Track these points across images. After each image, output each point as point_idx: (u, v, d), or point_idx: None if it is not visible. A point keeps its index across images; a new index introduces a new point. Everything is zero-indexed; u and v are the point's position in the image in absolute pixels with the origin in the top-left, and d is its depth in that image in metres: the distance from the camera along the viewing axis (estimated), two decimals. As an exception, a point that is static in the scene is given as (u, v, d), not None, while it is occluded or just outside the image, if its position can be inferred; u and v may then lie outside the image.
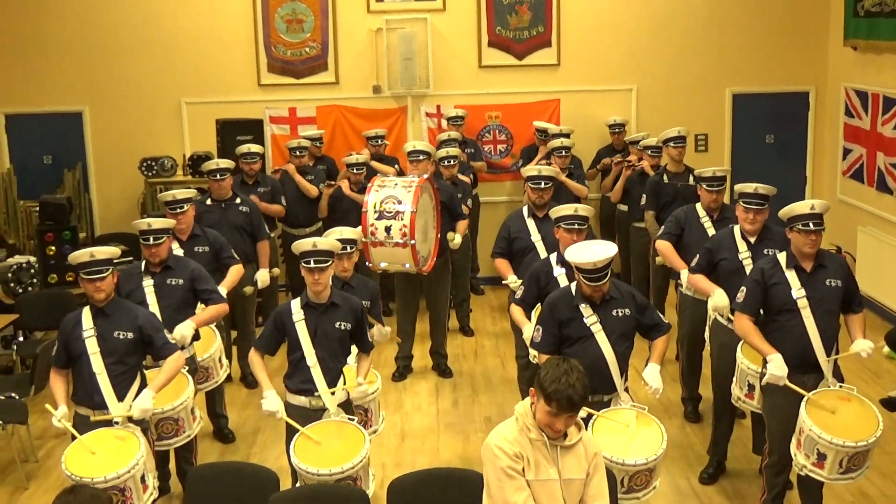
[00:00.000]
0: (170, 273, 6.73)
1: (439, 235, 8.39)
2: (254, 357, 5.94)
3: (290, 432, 5.69)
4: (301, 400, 5.78)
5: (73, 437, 5.54)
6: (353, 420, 5.71)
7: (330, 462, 5.33)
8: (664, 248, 7.36)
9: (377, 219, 7.92)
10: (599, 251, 5.53)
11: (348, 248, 6.67)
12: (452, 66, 11.36)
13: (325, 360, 5.76)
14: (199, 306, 6.84)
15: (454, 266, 9.53)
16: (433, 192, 8.36)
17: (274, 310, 6.05)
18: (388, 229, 7.88)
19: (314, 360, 5.74)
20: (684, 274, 7.05)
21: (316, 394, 5.73)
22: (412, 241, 7.85)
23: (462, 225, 8.78)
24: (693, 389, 7.83)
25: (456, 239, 8.56)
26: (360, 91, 11.36)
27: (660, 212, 8.57)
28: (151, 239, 6.63)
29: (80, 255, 5.67)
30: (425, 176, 8.28)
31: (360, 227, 7.65)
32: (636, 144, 10.12)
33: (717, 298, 6.50)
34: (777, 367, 5.59)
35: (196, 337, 6.75)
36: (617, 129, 10.83)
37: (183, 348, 6.38)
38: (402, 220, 7.85)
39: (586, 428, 5.35)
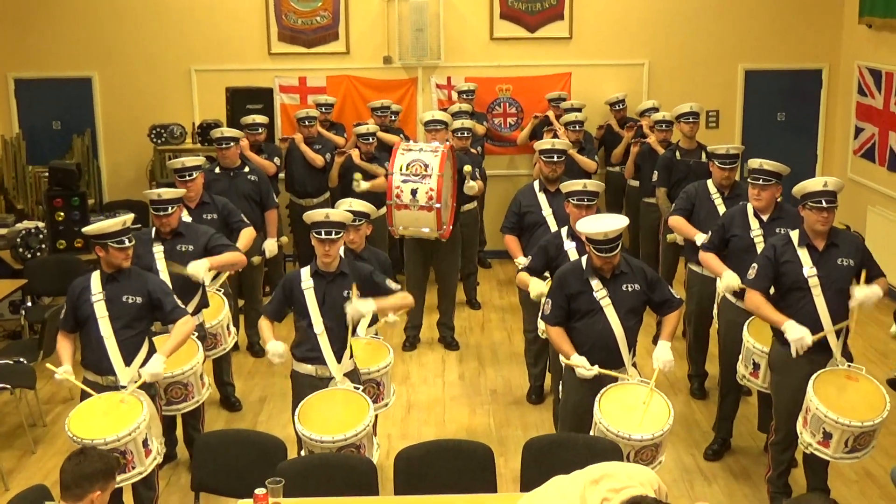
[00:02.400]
0: (180, 240, 6.73)
1: (454, 204, 8.38)
2: (262, 322, 5.96)
3: (296, 400, 5.71)
4: (308, 368, 5.80)
5: (83, 394, 5.60)
6: (358, 389, 5.73)
7: (333, 429, 5.35)
8: (676, 222, 7.32)
9: (403, 181, 7.92)
10: (610, 223, 5.55)
11: (357, 220, 6.65)
12: (464, 38, 11.30)
13: (332, 329, 5.77)
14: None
15: (462, 239, 9.51)
16: (453, 160, 8.37)
17: (283, 277, 6.06)
18: (413, 192, 7.90)
19: (321, 329, 5.76)
20: (699, 237, 6.99)
21: (323, 362, 5.75)
22: (437, 205, 7.87)
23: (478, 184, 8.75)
24: (699, 366, 7.83)
25: (471, 182, 8.53)
26: (371, 62, 11.31)
27: (671, 188, 8.53)
28: (162, 210, 6.62)
29: (115, 224, 5.65)
30: (448, 142, 8.28)
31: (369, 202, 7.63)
32: (647, 114, 10.06)
33: (727, 279, 6.44)
34: (795, 331, 5.56)
35: (205, 304, 6.78)
36: (619, 107, 10.77)
37: (195, 312, 6.41)
38: (428, 183, 7.87)
39: (596, 403, 5.39)
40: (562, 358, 5.86)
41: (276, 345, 5.79)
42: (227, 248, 6.84)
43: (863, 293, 5.65)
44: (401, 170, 7.95)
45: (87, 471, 4.11)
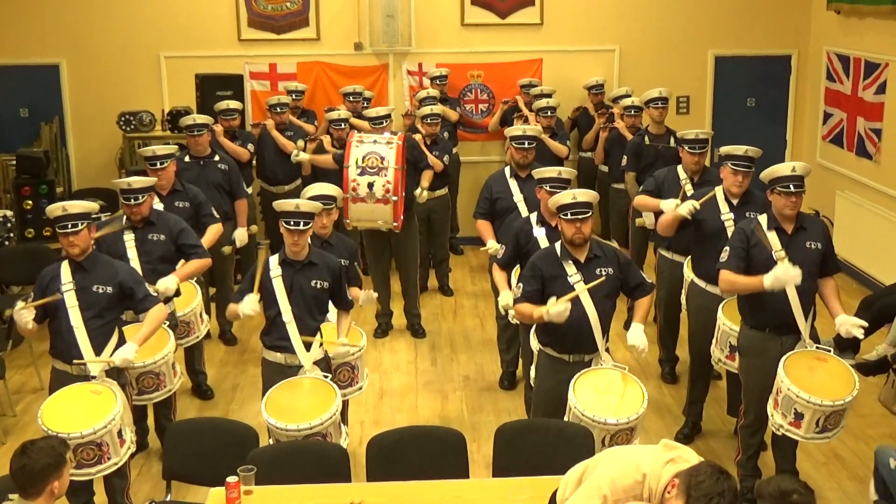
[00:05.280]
0: (151, 228, 6.68)
1: (404, 193, 8.34)
2: (231, 307, 5.95)
3: (266, 388, 5.70)
4: (277, 356, 5.79)
5: (52, 384, 5.57)
6: (327, 377, 5.72)
7: (298, 418, 5.34)
8: (641, 199, 7.36)
9: (360, 174, 7.88)
10: (580, 190, 5.70)
11: (327, 204, 6.62)
12: (435, 24, 11.27)
13: (301, 318, 5.76)
14: (180, 262, 6.80)
15: (434, 225, 9.52)
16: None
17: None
18: (370, 185, 7.86)
19: (290, 317, 5.74)
20: (664, 203, 6.98)
21: (292, 350, 5.74)
22: (394, 198, 7.85)
23: (427, 176, 8.68)
24: (670, 351, 7.88)
25: (423, 194, 8.52)
26: (342, 48, 11.27)
27: (640, 174, 8.56)
28: (132, 199, 6.57)
29: (53, 209, 5.66)
30: (401, 134, 8.28)
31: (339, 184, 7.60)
32: (618, 101, 10.10)
33: (665, 205, 6.62)
34: (779, 269, 5.56)
35: (177, 293, 6.74)
36: (596, 91, 10.79)
37: (167, 301, 6.38)
38: (385, 176, 7.83)
39: (570, 388, 5.41)
40: (533, 344, 5.88)
41: (249, 298, 5.75)
42: (195, 253, 6.78)
43: (846, 323, 5.73)
44: (356, 163, 7.90)
45: (35, 469, 4.07)
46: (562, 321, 5.47)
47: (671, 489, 3.65)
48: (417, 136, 9.22)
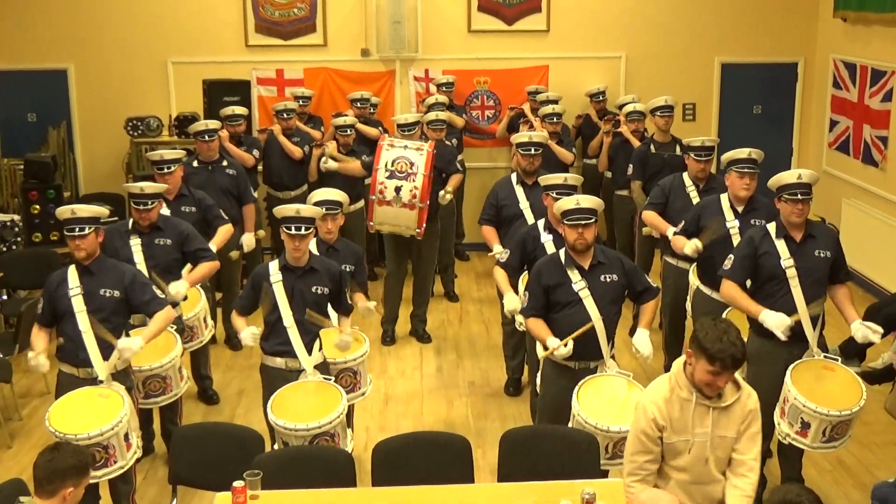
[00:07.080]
0: (158, 233, 6.70)
1: (429, 201, 8.38)
2: (234, 316, 5.99)
3: (267, 391, 5.72)
4: (277, 362, 5.81)
5: (58, 388, 5.61)
6: (329, 379, 5.74)
7: (306, 417, 5.35)
8: (650, 217, 7.36)
9: (388, 178, 7.93)
10: (584, 196, 5.77)
11: (333, 209, 6.63)
12: (442, 31, 11.29)
13: (301, 323, 5.78)
14: (186, 267, 6.81)
15: (439, 231, 9.52)
16: None
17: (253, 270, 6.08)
18: (398, 189, 7.91)
19: (291, 322, 5.76)
20: (671, 231, 7.03)
21: (293, 355, 5.76)
22: (420, 204, 7.89)
23: (455, 180, 8.72)
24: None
25: (447, 196, 8.54)
26: (349, 54, 11.29)
27: (646, 182, 8.56)
28: (142, 204, 6.58)
29: (63, 211, 5.71)
30: (431, 142, 8.32)
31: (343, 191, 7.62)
32: (623, 108, 10.10)
33: (686, 244, 6.67)
34: (772, 317, 5.61)
35: (183, 297, 6.76)
36: (599, 98, 10.79)
37: (175, 305, 6.39)
38: (413, 181, 7.89)
39: (574, 395, 5.41)
40: (539, 352, 5.89)
41: (249, 329, 5.82)
42: (203, 256, 6.80)
43: (862, 330, 5.72)
44: (386, 166, 7.95)
45: (59, 467, 4.09)
46: (561, 358, 5.60)
47: (689, 359, 4.13)
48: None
